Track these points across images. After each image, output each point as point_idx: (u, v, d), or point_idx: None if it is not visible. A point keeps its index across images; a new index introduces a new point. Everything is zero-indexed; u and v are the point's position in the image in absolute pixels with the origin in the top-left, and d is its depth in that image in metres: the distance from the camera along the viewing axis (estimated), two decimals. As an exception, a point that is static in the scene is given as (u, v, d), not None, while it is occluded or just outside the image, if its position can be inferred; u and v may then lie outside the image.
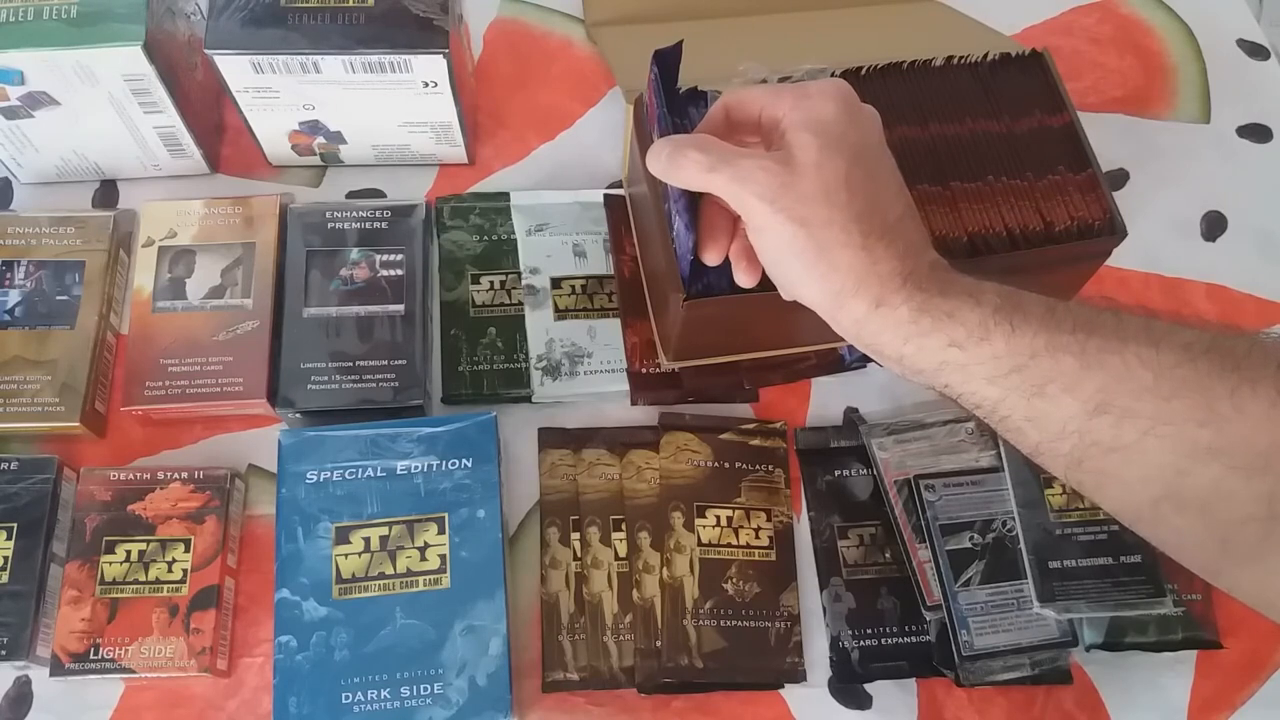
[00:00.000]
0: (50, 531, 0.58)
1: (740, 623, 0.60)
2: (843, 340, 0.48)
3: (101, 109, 0.63)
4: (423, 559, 0.57)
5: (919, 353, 0.45)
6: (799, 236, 0.45)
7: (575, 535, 0.61)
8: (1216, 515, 0.40)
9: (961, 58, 0.63)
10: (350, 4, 0.60)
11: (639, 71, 0.57)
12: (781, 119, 0.47)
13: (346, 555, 0.57)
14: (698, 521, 0.61)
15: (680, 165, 0.47)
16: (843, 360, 0.67)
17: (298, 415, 0.62)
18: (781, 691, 0.59)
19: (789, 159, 0.45)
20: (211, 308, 0.63)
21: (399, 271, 0.64)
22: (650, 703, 0.59)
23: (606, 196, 0.70)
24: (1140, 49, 0.80)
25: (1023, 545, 0.60)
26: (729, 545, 0.61)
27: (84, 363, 0.62)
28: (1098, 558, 0.60)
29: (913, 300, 0.44)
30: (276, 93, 0.63)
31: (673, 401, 0.66)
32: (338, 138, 0.68)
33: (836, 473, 0.64)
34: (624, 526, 0.61)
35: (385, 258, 0.65)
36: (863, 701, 0.59)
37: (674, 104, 0.57)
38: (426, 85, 0.63)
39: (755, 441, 0.64)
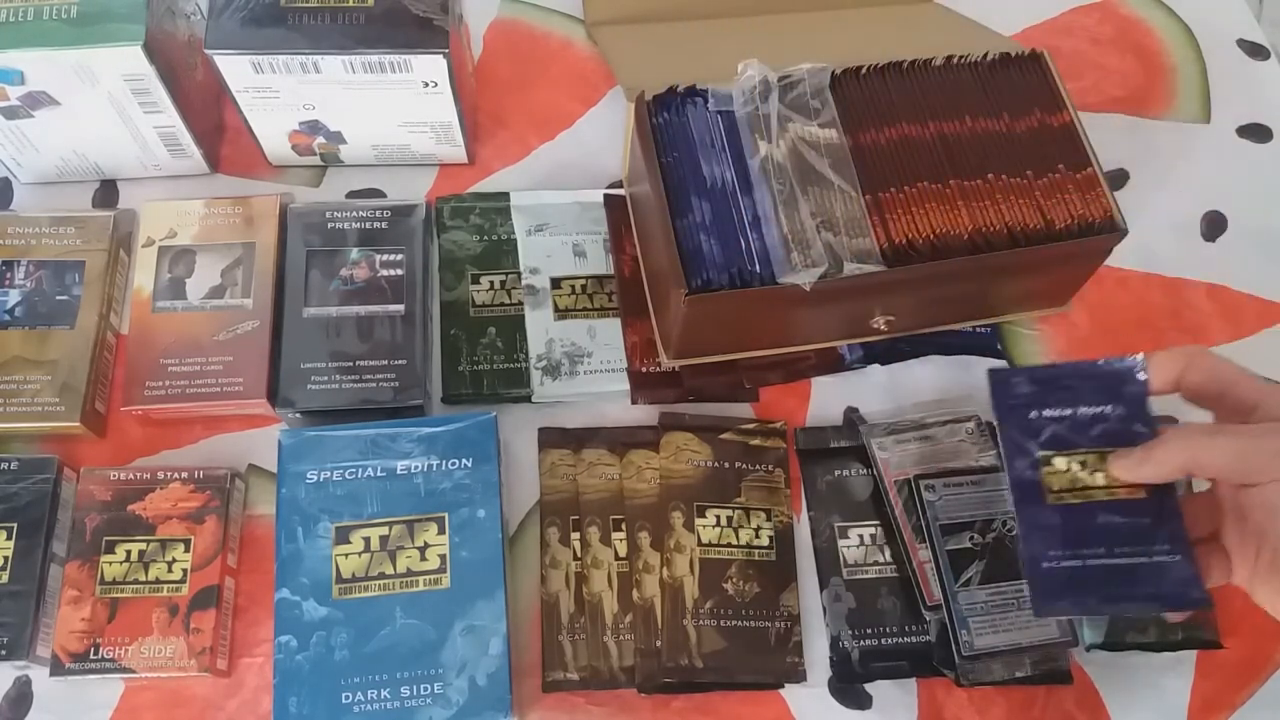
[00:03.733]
0: (50, 531, 0.58)
1: (740, 623, 0.59)
2: (845, 341, 0.47)
3: (101, 109, 0.63)
4: (423, 559, 0.57)
5: None
6: None
7: (575, 535, 0.61)
8: None
9: (961, 57, 0.63)
10: (350, 4, 0.60)
11: (639, 71, 0.57)
12: None
13: (346, 555, 0.57)
14: (698, 521, 0.61)
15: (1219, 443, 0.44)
16: (843, 360, 0.67)
17: (298, 415, 0.62)
18: (781, 691, 0.59)
19: None
20: (211, 308, 0.63)
21: (399, 271, 0.64)
22: (650, 703, 0.59)
23: (606, 196, 0.70)
24: (1140, 49, 0.80)
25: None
26: (729, 545, 0.61)
27: (84, 363, 0.62)
28: (1098, 557, 0.60)
29: None
30: (276, 93, 0.63)
31: (673, 401, 0.65)
32: (338, 138, 0.68)
33: (836, 473, 0.64)
34: (624, 526, 0.61)
35: (385, 258, 0.65)
36: (863, 701, 0.59)
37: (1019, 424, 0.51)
38: (426, 85, 0.63)
39: (755, 441, 0.64)
